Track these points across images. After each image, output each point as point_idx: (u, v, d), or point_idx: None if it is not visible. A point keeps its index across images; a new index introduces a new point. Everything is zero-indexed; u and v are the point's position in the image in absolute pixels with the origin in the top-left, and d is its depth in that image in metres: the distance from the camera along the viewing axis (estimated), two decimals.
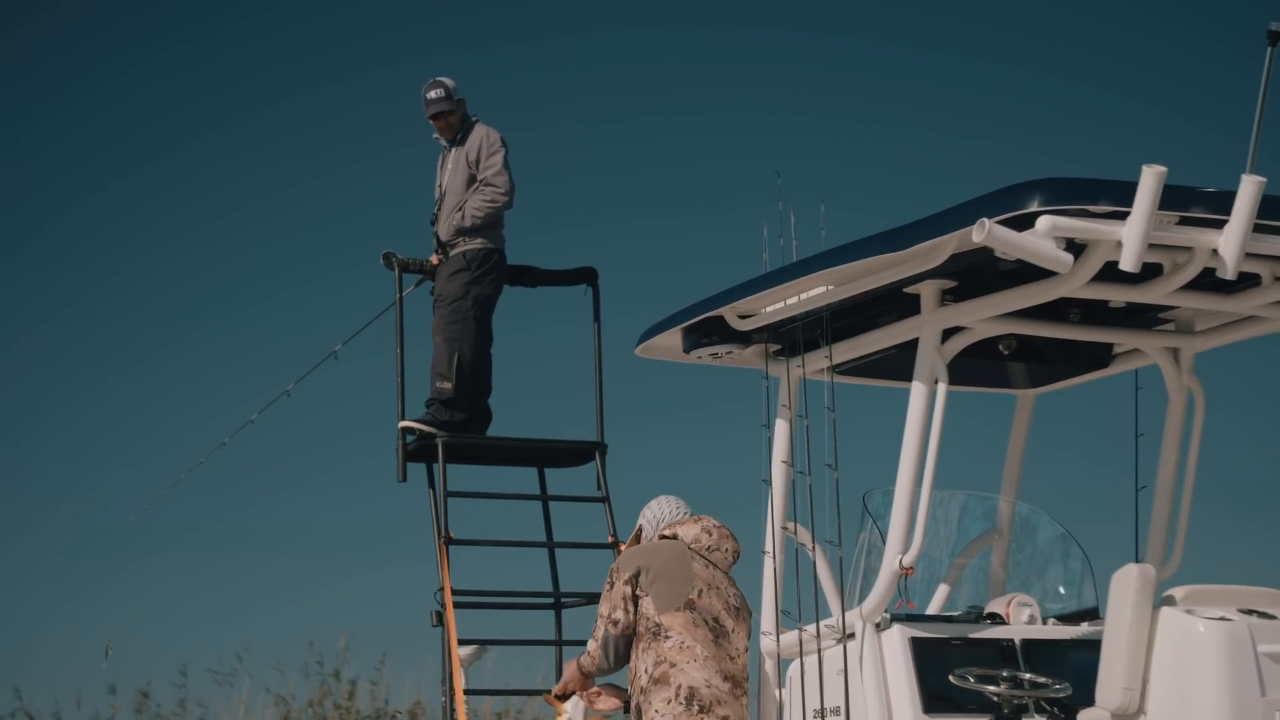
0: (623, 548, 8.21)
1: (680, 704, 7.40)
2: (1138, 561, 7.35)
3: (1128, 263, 6.24)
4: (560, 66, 22.69)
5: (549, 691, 8.19)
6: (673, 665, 7.47)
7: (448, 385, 10.00)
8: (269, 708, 17.64)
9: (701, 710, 7.39)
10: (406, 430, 9.91)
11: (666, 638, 7.50)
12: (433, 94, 10.15)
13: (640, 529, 8.02)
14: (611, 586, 7.64)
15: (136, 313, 22.95)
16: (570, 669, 7.93)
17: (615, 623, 7.60)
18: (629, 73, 22.76)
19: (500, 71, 21.82)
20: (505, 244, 10.23)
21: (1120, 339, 7.46)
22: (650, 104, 22.61)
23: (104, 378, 22.90)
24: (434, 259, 10.22)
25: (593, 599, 9.84)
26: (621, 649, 7.62)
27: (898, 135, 22.10)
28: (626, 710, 8.10)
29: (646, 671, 7.52)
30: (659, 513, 7.92)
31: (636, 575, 7.58)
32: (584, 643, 9.87)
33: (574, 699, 7.97)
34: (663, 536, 7.77)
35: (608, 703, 8.06)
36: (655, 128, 22.75)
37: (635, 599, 7.59)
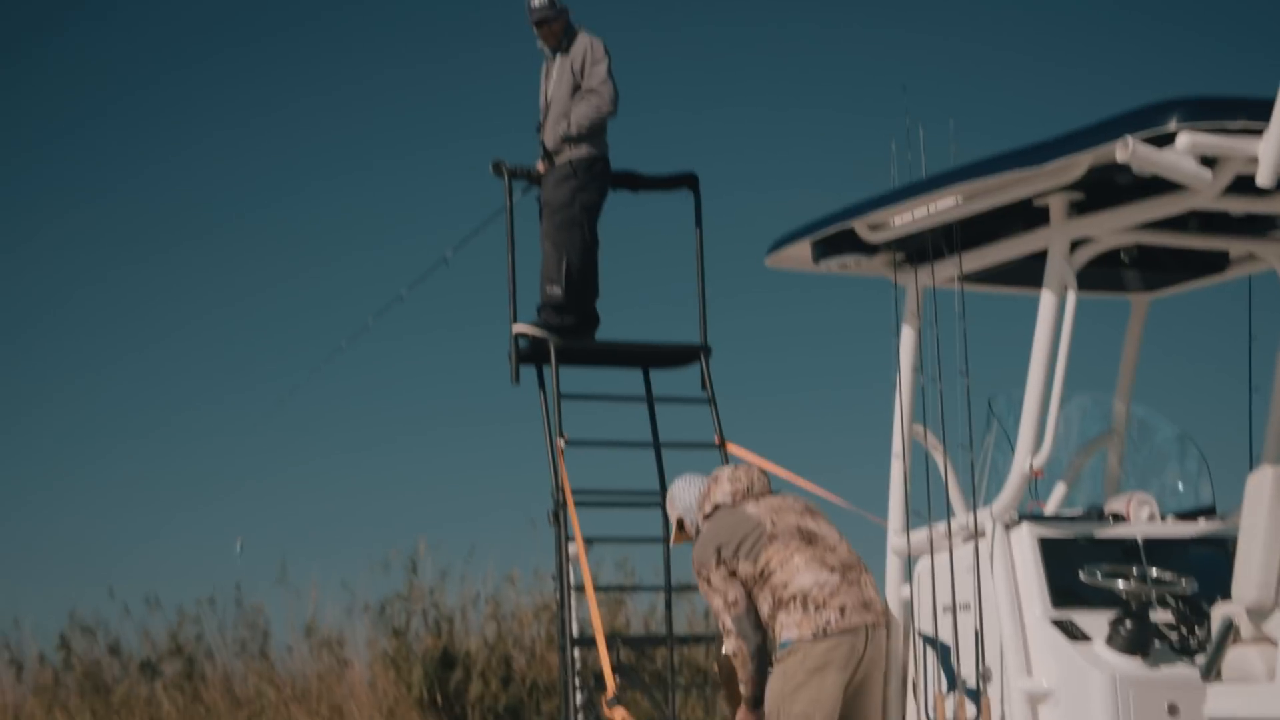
0: (674, 537, 8.29)
1: (799, 611, 7.68)
2: (1252, 461, 7.67)
3: (1265, 178, 6.47)
4: None
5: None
6: (784, 586, 7.72)
7: (558, 290, 10.29)
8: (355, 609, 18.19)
9: (817, 608, 7.67)
10: (520, 335, 10.21)
11: (771, 574, 7.73)
12: (537, 1, 10.37)
13: (680, 521, 8.20)
14: (709, 582, 7.77)
15: (270, 221, 23.26)
16: (741, 715, 7.95)
17: (735, 603, 7.73)
18: None
19: None
20: (609, 150, 10.48)
21: (1237, 246, 7.70)
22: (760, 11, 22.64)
23: (259, 286, 23.22)
24: (540, 166, 10.47)
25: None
26: (754, 619, 7.79)
27: (1005, 58, 22.21)
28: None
29: (769, 608, 7.75)
30: (686, 499, 8.14)
31: (719, 556, 7.78)
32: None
33: None
34: (706, 517, 8.01)
35: None
36: (759, 35, 22.79)
37: (732, 574, 7.79)
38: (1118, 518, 7.65)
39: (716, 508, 8.01)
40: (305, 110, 23.70)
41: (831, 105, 22.24)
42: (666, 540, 10.24)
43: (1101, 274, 8.01)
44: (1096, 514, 7.68)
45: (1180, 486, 7.98)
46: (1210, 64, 21.34)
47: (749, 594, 7.77)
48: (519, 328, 10.23)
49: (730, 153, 22.15)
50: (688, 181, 10.69)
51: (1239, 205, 7.09)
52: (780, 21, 22.74)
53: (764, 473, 8.13)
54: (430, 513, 23.55)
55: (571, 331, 10.32)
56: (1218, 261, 8.00)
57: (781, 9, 22.65)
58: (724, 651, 7.85)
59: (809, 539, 7.80)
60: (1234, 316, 8.02)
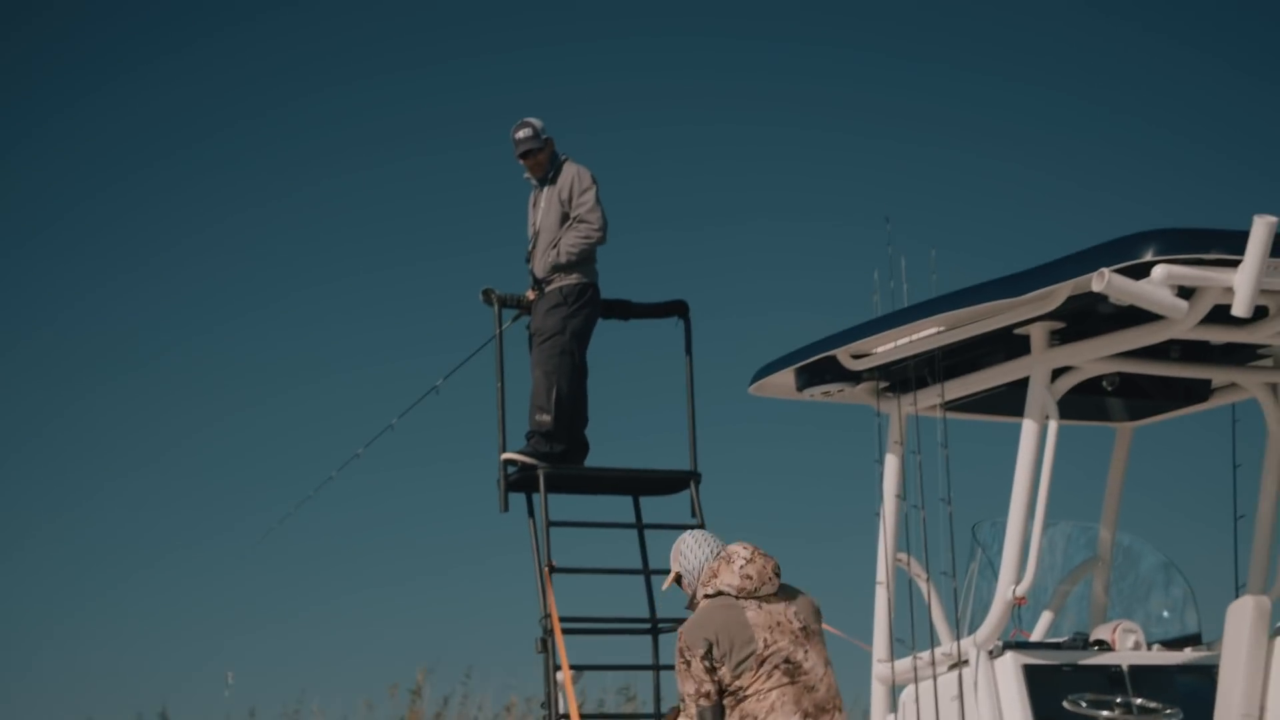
0: (667, 581, 8.20)
1: None
2: (1238, 588, 7.67)
3: (1240, 309, 6.53)
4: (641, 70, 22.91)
5: None
6: (753, 717, 7.64)
7: (547, 418, 10.30)
8: None
9: None
10: (509, 462, 10.22)
11: (746, 697, 7.65)
12: (521, 134, 10.45)
13: (679, 575, 7.95)
14: (688, 665, 7.60)
15: (254, 343, 23.26)
16: None
17: (707, 695, 7.64)
18: (711, 83, 22.87)
19: (602, 70, 22.05)
20: (599, 278, 10.55)
21: (1219, 375, 7.75)
22: (730, 124, 22.77)
23: (235, 408, 23.20)
24: (530, 295, 10.54)
25: None
26: (718, 714, 7.73)
27: (994, 170, 22.36)
28: None
29: None
30: (692, 561, 7.90)
31: (709, 650, 7.69)
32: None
33: None
34: (707, 596, 7.84)
35: None
36: (725, 146, 22.94)
37: (713, 669, 7.71)
38: (1103, 645, 7.63)
39: (720, 593, 7.91)
40: (284, 231, 23.77)
41: (827, 224, 22.38)
42: (656, 662, 10.20)
43: (1086, 402, 8.05)
44: (1082, 642, 7.67)
45: (1165, 614, 7.97)
46: (1196, 190, 21.49)
47: (721, 693, 7.72)
48: (508, 455, 10.25)
49: (723, 275, 22.27)
50: (678, 309, 10.75)
51: (1219, 335, 7.14)
52: (771, 142, 22.94)
53: (777, 571, 7.92)
54: (428, 643, 23.40)
55: (560, 459, 10.34)
56: (1200, 390, 8.04)
57: (771, 128, 22.85)
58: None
59: (793, 673, 7.66)
60: (1219, 444, 8.05)
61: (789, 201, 22.57)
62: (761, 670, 7.61)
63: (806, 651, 7.71)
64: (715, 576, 7.78)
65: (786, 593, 7.83)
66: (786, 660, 7.64)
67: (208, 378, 23.27)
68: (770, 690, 7.54)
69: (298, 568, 22.83)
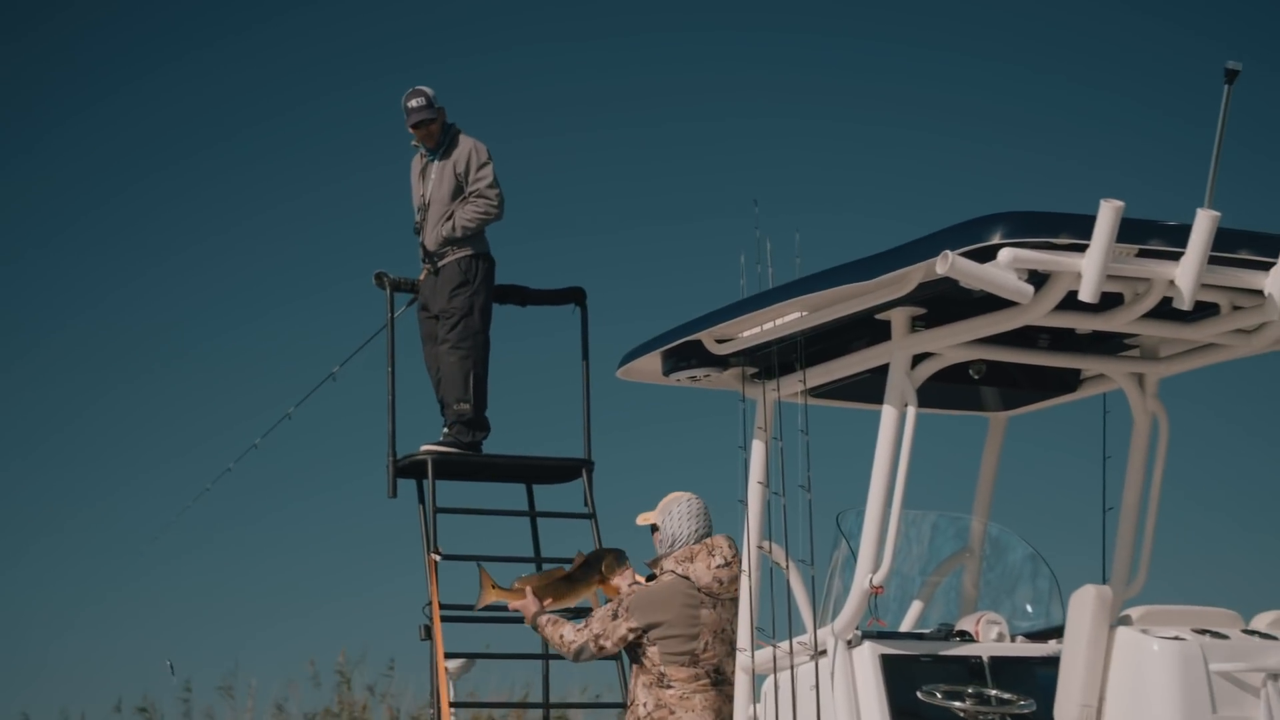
0: (642, 517, 8.21)
1: None
2: (1105, 581, 7.60)
3: (1087, 293, 6.45)
4: (548, 73, 22.88)
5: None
6: (671, 712, 7.75)
7: (467, 406, 10.15)
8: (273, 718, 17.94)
9: None
10: (430, 453, 10.04)
11: (669, 687, 7.77)
12: (414, 102, 10.31)
13: (656, 528, 8.06)
14: (615, 617, 7.81)
15: (139, 323, 23.15)
16: (540, 621, 8.16)
17: (602, 648, 7.82)
18: (605, 83, 22.88)
19: (488, 80, 22.04)
20: (490, 247, 10.42)
21: (1086, 364, 7.67)
22: (628, 114, 22.74)
23: (114, 384, 23.07)
24: (423, 275, 10.38)
25: (579, 614, 10.02)
26: (593, 658, 7.89)
27: (878, 134, 22.23)
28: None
29: (645, 706, 7.79)
30: (678, 530, 8.00)
31: (647, 630, 7.80)
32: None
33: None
34: (674, 573, 7.90)
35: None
36: (629, 138, 22.90)
37: (636, 644, 7.81)
38: (966, 636, 7.55)
39: (687, 578, 7.91)
40: (197, 219, 23.66)
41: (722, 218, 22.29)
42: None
43: (959, 392, 7.97)
44: (945, 633, 7.58)
45: (1029, 608, 7.89)
46: (1071, 178, 21.30)
47: (637, 655, 7.85)
48: (428, 446, 10.09)
49: (621, 276, 22.14)
50: (575, 296, 10.67)
51: (1079, 322, 7.06)
52: (627, 125, 22.87)
53: (736, 577, 7.94)
54: (352, 633, 23.29)
55: (480, 447, 10.23)
56: (1070, 380, 7.97)
57: (637, 107, 22.78)
58: (572, 638, 8.00)
59: (719, 681, 7.85)
60: (1092, 435, 7.99)
61: (677, 200, 22.53)
62: (694, 669, 7.73)
63: (731, 663, 7.81)
64: (691, 561, 7.84)
65: (734, 602, 7.88)
66: (717, 670, 7.78)
67: (223, 374, 23.09)
68: (695, 694, 7.73)
69: (194, 555, 22.58)
